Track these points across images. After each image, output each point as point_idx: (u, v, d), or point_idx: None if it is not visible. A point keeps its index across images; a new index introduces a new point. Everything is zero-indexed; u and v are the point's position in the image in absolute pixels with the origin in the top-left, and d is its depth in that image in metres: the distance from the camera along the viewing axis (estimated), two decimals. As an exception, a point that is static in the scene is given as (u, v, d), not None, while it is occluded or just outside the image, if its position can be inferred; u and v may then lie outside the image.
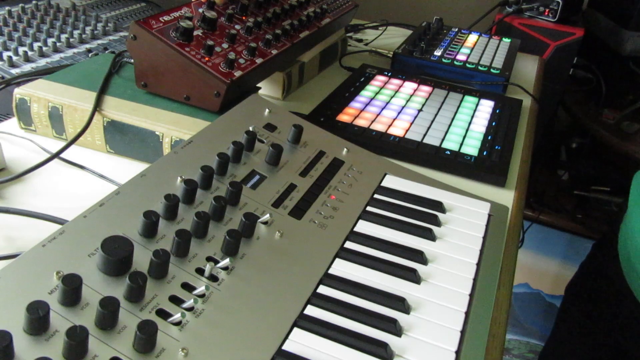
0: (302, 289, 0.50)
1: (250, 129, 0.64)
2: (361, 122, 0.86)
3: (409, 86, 1.01)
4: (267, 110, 0.70)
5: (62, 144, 0.68)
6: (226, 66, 0.73)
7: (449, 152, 0.80)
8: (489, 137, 0.86)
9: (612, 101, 1.84)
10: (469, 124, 0.89)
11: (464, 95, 0.99)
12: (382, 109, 0.91)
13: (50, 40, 0.95)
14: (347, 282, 0.51)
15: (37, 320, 0.36)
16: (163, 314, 0.42)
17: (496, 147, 0.83)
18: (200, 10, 0.80)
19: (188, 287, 0.45)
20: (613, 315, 0.88)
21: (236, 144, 0.60)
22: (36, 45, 0.94)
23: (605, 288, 0.88)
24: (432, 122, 0.88)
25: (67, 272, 0.40)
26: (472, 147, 0.82)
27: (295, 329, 0.46)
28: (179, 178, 0.54)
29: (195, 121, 0.71)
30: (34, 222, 0.58)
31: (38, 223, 0.58)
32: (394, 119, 0.88)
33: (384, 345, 0.45)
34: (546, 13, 1.58)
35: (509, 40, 1.30)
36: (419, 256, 0.56)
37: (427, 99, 0.96)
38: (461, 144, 0.83)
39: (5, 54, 0.89)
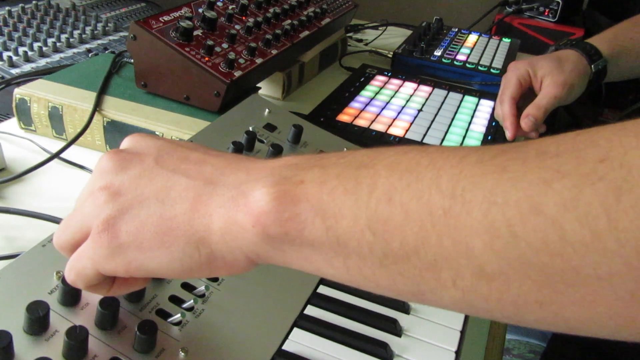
0: (302, 289, 0.50)
1: (250, 129, 0.64)
2: (361, 122, 0.86)
3: (409, 86, 1.01)
4: (267, 110, 0.70)
5: (62, 144, 0.68)
6: (226, 66, 0.73)
7: (449, 152, 0.80)
8: (489, 137, 0.86)
9: (612, 101, 1.84)
10: (469, 124, 0.89)
11: (464, 95, 0.99)
12: (382, 109, 0.91)
13: (50, 40, 0.95)
14: (347, 282, 0.51)
15: (37, 320, 0.36)
16: (163, 314, 0.42)
17: (496, 147, 0.83)
18: (200, 10, 0.80)
19: (188, 287, 0.45)
20: None
21: (236, 144, 0.60)
22: (36, 45, 0.94)
23: None
24: (432, 122, 0.88)
25: (67, 272, 0.40)
26: (472, 147, 0.82)
27: (295, 329, 0.46)
28: (179, 178, 0.54)
29: (195, 121, 0.71)
30: (34, 222, 0.58)
31: (38, 223, 0.58)
32: (394, 119, 0.88)
33: (384, 345, 0.45)
34: (546, 13, 1.58)
35: (509, 40, 1.30)
36: (419, 256, 0.56)
37: (427, 99, 0.96)
38: (461, 144, 0.83)
39: (5, 54, 0.89)
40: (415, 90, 1.00)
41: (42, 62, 0.91)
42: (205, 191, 0.32)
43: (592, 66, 0.83)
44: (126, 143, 0.37)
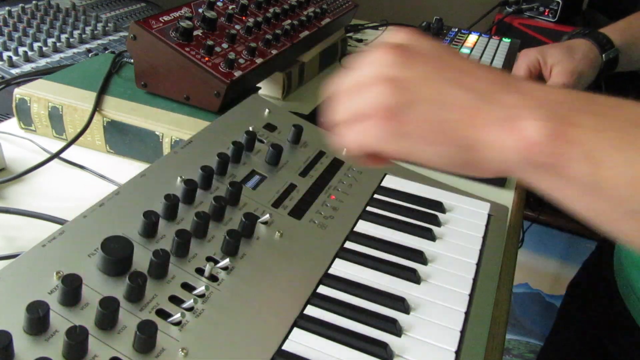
0: (302, 289, 0.50)
1: (250, 129, 0.64)
2: (361, 122, 0.86)
3: (409, 86, 1.01)
4: (267, 110, 0.70)
5: (62, 144, 0.68)
6: (226, 66, 0.73)
7: (449, 152, 0.80)
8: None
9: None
10: (469, 124, 0.89)
11: (464, 95, 0.99)
12: (382, 109, 0.91)
13: (50, 40, 0.95)
14: (347, 282, 0.51)
15: (37, 320, 0.36)
16: (163, 314, 0.42)
17: (496, 147, 0.83)
18: (200, 10, 0.80)
19: (188, 287, 0.45)
20: (605, 317, 0.88)
21: (236, 144, 0.60)
22: (36, 45, 0.94)
23: (602, 289, 0.89)
24: (432, 122, 0.88)
25: (67, 272, 0.40)
26: (472, 147, 0.82)
27: (295, 329, 0.46)
28: (179, 178, 0.54)
29: (195, 121, 0.71)
30: (34, 222, 0.58)
31: (38, 223, 0.58)
32: (394, 119, 0.88)
33: (384, 345, 0.45)
34: (546, 13, 1.58)
35: (509, 40, 1.30)
36: (419, 256, 0.56)
37: (427, 99, 0.96)
38: (461, 144, 0.83)
39: (5, 54, 0.89)
40: (415, 90, 1.00)
41: (42, 62, 0.91)
42: (479, 105, 0.35)
43: (603, 55, 0.84)
44: (403, 38, 0.40)
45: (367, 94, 0.39)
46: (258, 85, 0.84)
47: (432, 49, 0.39)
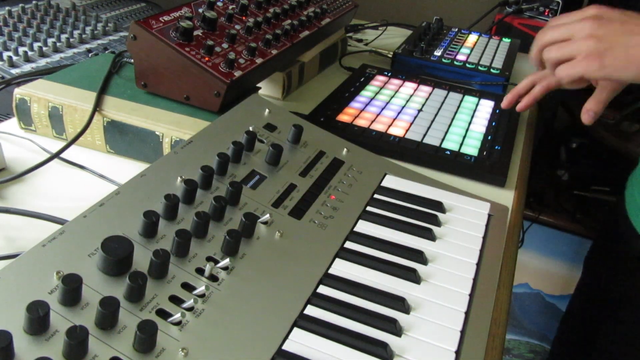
0: (302, 289, 0.50)
1: (250, 129, 0.64)
2: (361, 122, 0.86)
3: (409, 86, 1.01)
4: (267, 110, 0.70)
5: (62, 144, 0.68)
6: (226, 66, 0.73)
7: (449, 152, 0.80)
8: (489, 137, 0.86)
9: (612, 101, 1.83)
10: (469, 124, 0.89)
11: (464, 95, 0.99)
12: (382, 109, 0.91)
13: (50, 40, 0.95)
14: (347, 282, 0.51)
15: (37, 320, 0.36)
16: (163, 314, 0.42)
17: (496, 147, 0.83)
18: (200, 10, 0.80)
19: (188, 287, 0.45)
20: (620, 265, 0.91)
21: (236, 144, 0.60)
22: (36, 45, 0.94)
23: (618, 238, 0.91)
24: (432, 122, 0.88)
25: (67, 272, 0.40)
26: (472, 147, 0.82)
27: (295, 329, 0.46)
28: (179, 178, 0.54)
29: (195, 121, 0.71)
30: (34, 222, 0.58)
31: (38, 223, 0.58)
32: (394, 119, 0.88)
33: (384, 345, 0.45)
34: (546, 13, 1.58)
35: (509, 40, 1.30)
36: (419, 256, 0.56)
37: (427, 99, 0.96)
38: (461, 144, 0.83)
39: (5, 54, 0.89)
40: (415, 90, 1.00)
41: (42, 62, 0.91)
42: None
43: None
44: (596, 11, 0.65)
45: (578, 44, 0.64)
46: (258, 85, 0.85)
47: (613, 15, 0.64)
